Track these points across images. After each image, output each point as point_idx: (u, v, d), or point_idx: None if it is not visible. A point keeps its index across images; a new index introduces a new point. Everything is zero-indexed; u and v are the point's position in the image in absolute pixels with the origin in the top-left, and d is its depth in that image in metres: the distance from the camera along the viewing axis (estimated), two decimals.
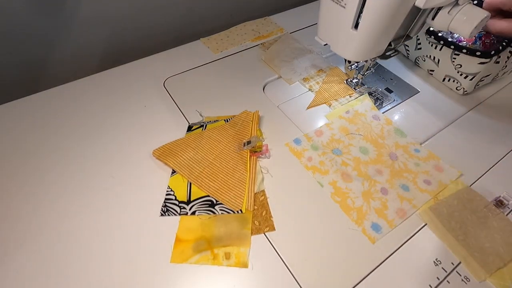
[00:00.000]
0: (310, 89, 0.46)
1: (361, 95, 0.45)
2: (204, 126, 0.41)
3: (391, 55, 0.40)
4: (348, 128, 0.40)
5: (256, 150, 0.38)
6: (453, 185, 0.35)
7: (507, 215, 0.32)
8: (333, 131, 0.40)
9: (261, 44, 0.54)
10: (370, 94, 0.46)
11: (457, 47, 0.41)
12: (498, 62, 0.41)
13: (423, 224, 0.32)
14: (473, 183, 0.35)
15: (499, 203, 0.33)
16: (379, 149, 0.38)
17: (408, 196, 0.34)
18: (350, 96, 0.45)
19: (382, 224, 0.32)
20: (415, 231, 0.32)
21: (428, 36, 0.43)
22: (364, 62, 0.43)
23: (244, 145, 0.37)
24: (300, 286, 0.28)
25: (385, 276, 0.29)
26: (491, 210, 0.32)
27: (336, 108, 0.43)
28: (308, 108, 0.44)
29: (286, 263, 0.30)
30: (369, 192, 0.34)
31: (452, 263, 0.30)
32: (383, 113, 0.43)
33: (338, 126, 0.41)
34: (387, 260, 0.30)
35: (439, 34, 0.42)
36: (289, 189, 0.35)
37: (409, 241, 0.31)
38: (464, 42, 0.43)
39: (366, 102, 0.44)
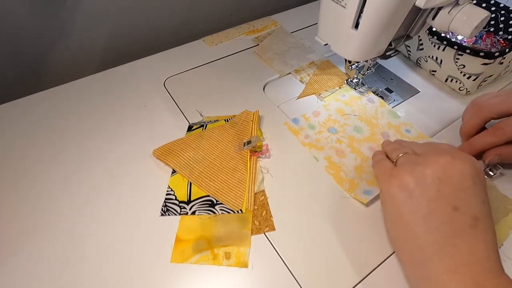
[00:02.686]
0: (301, 81, 0.47)
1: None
2: (204, 126, 0.41)
3: (392, 55, 0.40)
4: (344, 109, 0.43)
5: (256, 150, 0.38)
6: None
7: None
8: (330, 112, 0.43)
9: (255, 38, 0.55)
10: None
11: (461, 48, 0.41)
12: (502, 63, 0.41)
13: None
14: None
15: (488, 172, 0.35)
16: (372, 128, 0.41)
17: None
18: (340, 88, 0.46)
19: (372, 189, 0.34)
20: None
21: (431, 37, 0.43)
22: (364, 62, 0.43)
23: (244, 145, 0.37)
24: (300, 286, 0.28)
25: (385, 276, 0.29)
26: None
27: (326, 97, 0.45)
28: (298, 98, 0.45)
29: (286, 263, 0.30)
30: (361, 166, 0.37)
31: None
32: None
33: (334, 108, 0.43)
34: (386, 261, 0.30)
35: (442, 35, 0.42)
36: (289, 188, 0.35)
37: None
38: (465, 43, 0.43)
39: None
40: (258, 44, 0.54)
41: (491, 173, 0.35)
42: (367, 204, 0.33)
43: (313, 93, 0.45)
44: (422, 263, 0.24)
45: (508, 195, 0.34)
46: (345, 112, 0.43)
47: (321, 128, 0.41)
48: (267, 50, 0.52)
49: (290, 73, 0.49)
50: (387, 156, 0.33)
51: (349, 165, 0.37)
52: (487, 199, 0.26)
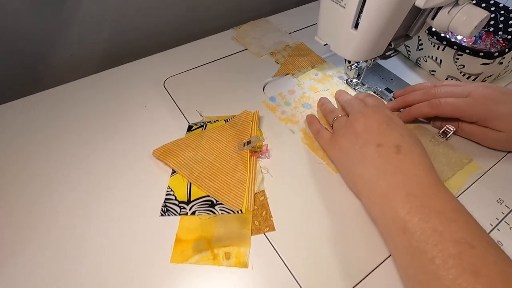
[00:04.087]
0: (276, 62, 0.51)
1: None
2: (204, 126, 0.41)
3: (391, 55, 0.40)
4: (317, 87, 0.47)
5: (256, 150, 0.38)
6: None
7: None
8: (304, 90, 0.46)
9: (236, 27, 0.57)
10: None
11: (460, 48, 0.41)
12: (501, 63, 0.41)
13: None
14: (470, 186, 0.35)
15: (443, 133, 0.39)
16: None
17: None
18: (312, 68, 0.50)
19: None
20: None
21: (431, 37, 0.43)
22: (364, 62, 0.43)
23: (244, 145, 0.37)
24: (300, 286, 0.28)
25: (385, 276, 0.29)
26: (437, 140, 0.39)
27: (300, 76, 0.49)
28: (273, 76, 0.48)
29: (286, 263, 0.30)
30: None
31: None
32: None
33: (308, 86, 0.47)
34: (386, 261, 0.30)
35: (442, 35, 0.42)
36: (289, 188, 0.35)
37: None
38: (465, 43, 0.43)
39: (332, 66, 0.50)
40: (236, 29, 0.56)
41: (446, 133, 0.39)
42: None
43: (287, 73, 0.49)
44: (370, 193, 0.30)
45: (463, 152, 0.38)
46: (318, 89, 0.46)
47: (296, 104, 0.44)
48: (245, 36, 0.55)
49: (265, 55, 0.52)
50: (322, 116, 0.40)
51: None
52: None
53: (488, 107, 0.35)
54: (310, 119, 0.40)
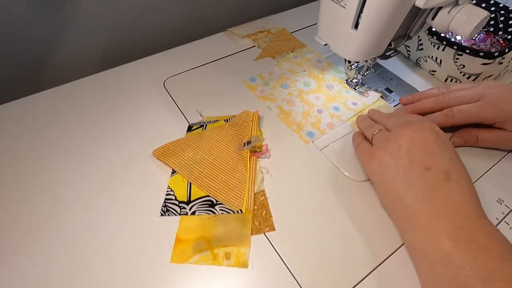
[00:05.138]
0: (258, 46, 0.54)
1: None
2: (204, 126, 0.41)
3: (391, 55, 0.40)
4: (295, 69, 0.49)
5: (256, 150, 0.38)
6: (374, 105, 0.44)
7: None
8: (283, 71, 0.49)
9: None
10: None
11: (460, 48, 0.41)
12: (501, 63, 0.41)
13: None
14: (473, 183, 0.35)
15: None
16: (319, 82, 0.47)
17: (338, 114, 0.43)
18: (292, 51, 0.52)
19: (315, 132, 0.41)
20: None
21: (431, 37, 0.43)
22: (364, 62, 0.43)
23: (244, 145, 0.37)
24: (300, 286, 0.28)
25: (385, 276, 0.29)
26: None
27: (280, 59, 0.51)
28: (255, 60, 0.51)
29: (286, 263, 0.30)
30: (307, 112, 0.43)
31: None
32: None
33: (287, 68, 0.50)
34: (386, 261, 0.30)
35: (442, 35, 0.42)
36: (289, 188, 0.35)
37: None
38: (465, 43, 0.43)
39: (311, 51, 0.53)
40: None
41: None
42: (367, 205, 0.34)
43: (268, 56, 0.52)
44: (409, 218, 0.28)
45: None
46: (296, 71, 0.49)
47: (274, 84, 0.47)
48: (238, 28, 0.58)
49: (245, 38, 0.55)
50: (363, 133, 0.38)
51: (297, 112, 0.43)
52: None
53: (502, 109, 0.34)
54: (355, 134, 0.39)
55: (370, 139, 0.35)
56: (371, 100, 0.45)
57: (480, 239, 0.25)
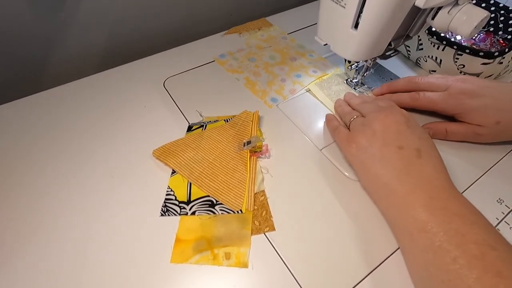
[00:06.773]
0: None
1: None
2: (204, 126, 0.41)
3: (391, 55, 0.40)
4: (262, 45, 0.54)
5: (256, 150, 0.38)
6: (334, 72, 0.49)
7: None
8: (251, 49, 0.54)
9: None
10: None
11: (460, 47, 0.41)
12: (501, 63, 0.41)
13: None
14: (470, 186, 0.35)
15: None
16: (283, 55, 0.52)
17: (299, 80, 0.48)
18: (259, 29, 0.57)
19: (278, 98, 0.45)
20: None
21: (431, 37, 0.43)
22: (364, 62, 0.43)
23: (244, 145, 0.37)
24: (300, 286, 0.28)
25: (384, 277, 0.29)
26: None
27: (247, 36, 0.56)
28: (225, 34, 0.56)
29: (286, 263, 0.30)
30: (272, 81, 0.48)
31: None
32: None
33: (254, 44, 0.55)
34: (385, 261, 0.30)
35: (442, 34, 0.42)
36: (289, 188, 0.35)
37: None
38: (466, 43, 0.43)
39: (277, 29, 0.58)
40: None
41: None
42: (367, 205, 0.34)
43: (236, 32, 0.57)
44: (388, 194, 0.30)
45: None
46: (262, 46, 0.54)
47: (243, 59, 0.51)
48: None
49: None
50: (339, 118, 0.41)
51: (263, 81, 0.48)
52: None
53: (461, 102, 0.36)
54: (329, 117, 0.41)
55: (347, 125, 0.37)
56: (332, 71, 0.49)
57: (453, 207, 0.27)
